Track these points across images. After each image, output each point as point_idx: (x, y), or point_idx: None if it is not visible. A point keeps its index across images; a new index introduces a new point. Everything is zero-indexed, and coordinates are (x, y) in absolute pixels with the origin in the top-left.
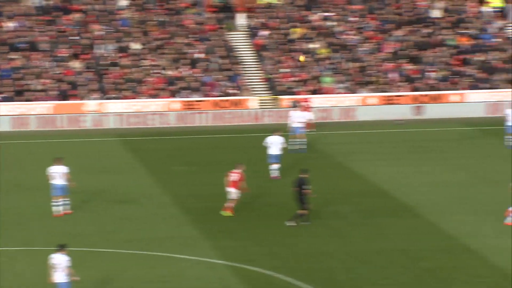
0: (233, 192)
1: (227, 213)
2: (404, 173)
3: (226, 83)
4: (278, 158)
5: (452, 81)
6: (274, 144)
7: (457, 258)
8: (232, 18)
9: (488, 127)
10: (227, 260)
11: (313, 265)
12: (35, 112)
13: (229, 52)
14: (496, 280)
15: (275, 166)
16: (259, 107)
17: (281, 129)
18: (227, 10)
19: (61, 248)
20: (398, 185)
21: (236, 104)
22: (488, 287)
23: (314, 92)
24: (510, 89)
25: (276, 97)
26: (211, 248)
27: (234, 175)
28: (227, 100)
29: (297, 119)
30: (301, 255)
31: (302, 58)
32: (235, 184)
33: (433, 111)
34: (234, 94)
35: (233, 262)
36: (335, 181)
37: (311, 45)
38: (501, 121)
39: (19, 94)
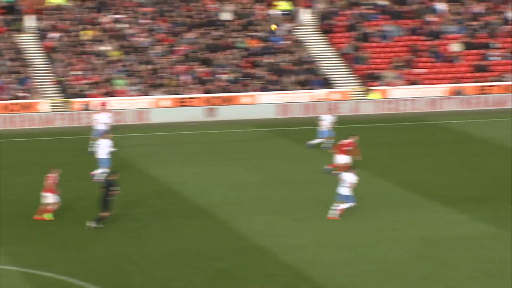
0: (49, 197)
1: (43, 215)
2: (198, 174)
3: (15, 86)
4: (105, 162)
5: (243, 83)
6: (101, 148)
7: (250, 257)
8: (21, 20)
9: (279, 128)
10: (19, 266)
11: (108, 268)
12: None
13: (18, 54)
14: (288, 279)
15: (100, 170)
16: (50, 110)
17: (111, 133)
18: (15, 12)
19: None
20: (192, 186)
21: (27, 107)
22: (280, 285)
23: (107, 94)
24: (299, 91)
25: (68, 100)
26: (2, 254)
27: (50, 179)
28: (17, 104)
29: (102, 122)
30: (97, 258)
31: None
32: (51, 188)
33: (225, 113)
34: (24, 97)
35: (26, 268)
36: (130, 183)
37: (102, 47)
38: (290, 122)
39: None
